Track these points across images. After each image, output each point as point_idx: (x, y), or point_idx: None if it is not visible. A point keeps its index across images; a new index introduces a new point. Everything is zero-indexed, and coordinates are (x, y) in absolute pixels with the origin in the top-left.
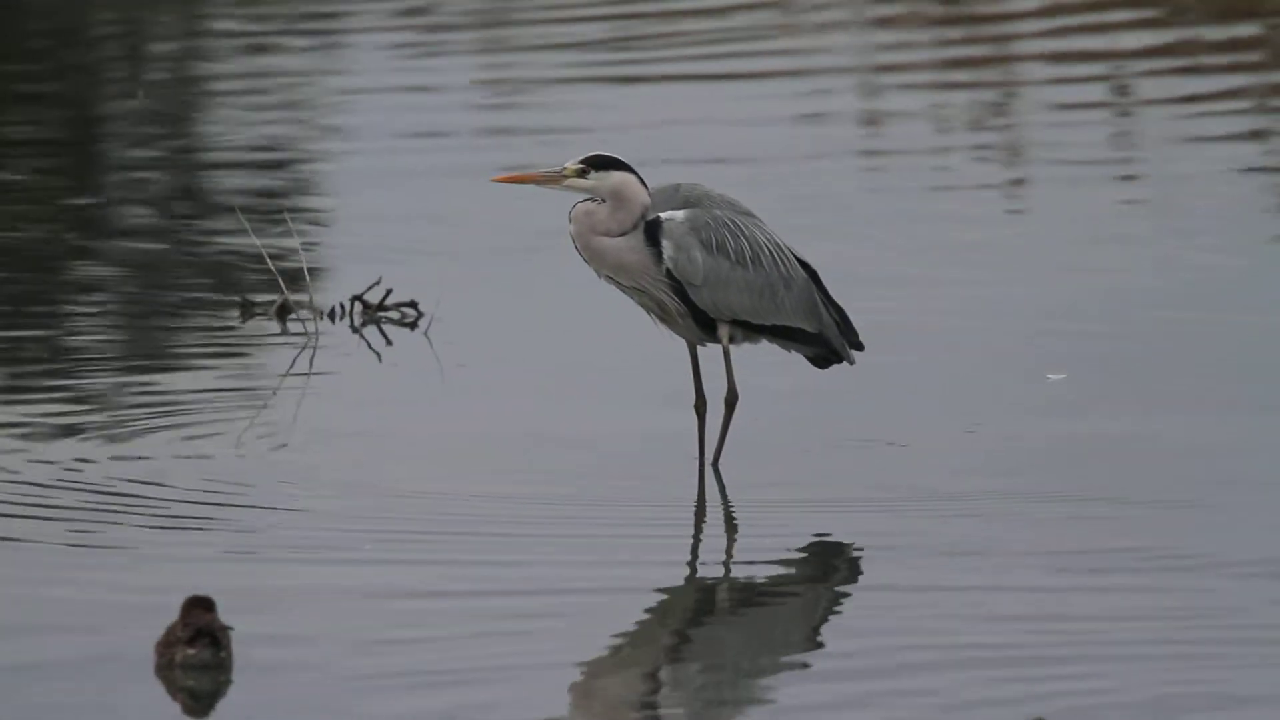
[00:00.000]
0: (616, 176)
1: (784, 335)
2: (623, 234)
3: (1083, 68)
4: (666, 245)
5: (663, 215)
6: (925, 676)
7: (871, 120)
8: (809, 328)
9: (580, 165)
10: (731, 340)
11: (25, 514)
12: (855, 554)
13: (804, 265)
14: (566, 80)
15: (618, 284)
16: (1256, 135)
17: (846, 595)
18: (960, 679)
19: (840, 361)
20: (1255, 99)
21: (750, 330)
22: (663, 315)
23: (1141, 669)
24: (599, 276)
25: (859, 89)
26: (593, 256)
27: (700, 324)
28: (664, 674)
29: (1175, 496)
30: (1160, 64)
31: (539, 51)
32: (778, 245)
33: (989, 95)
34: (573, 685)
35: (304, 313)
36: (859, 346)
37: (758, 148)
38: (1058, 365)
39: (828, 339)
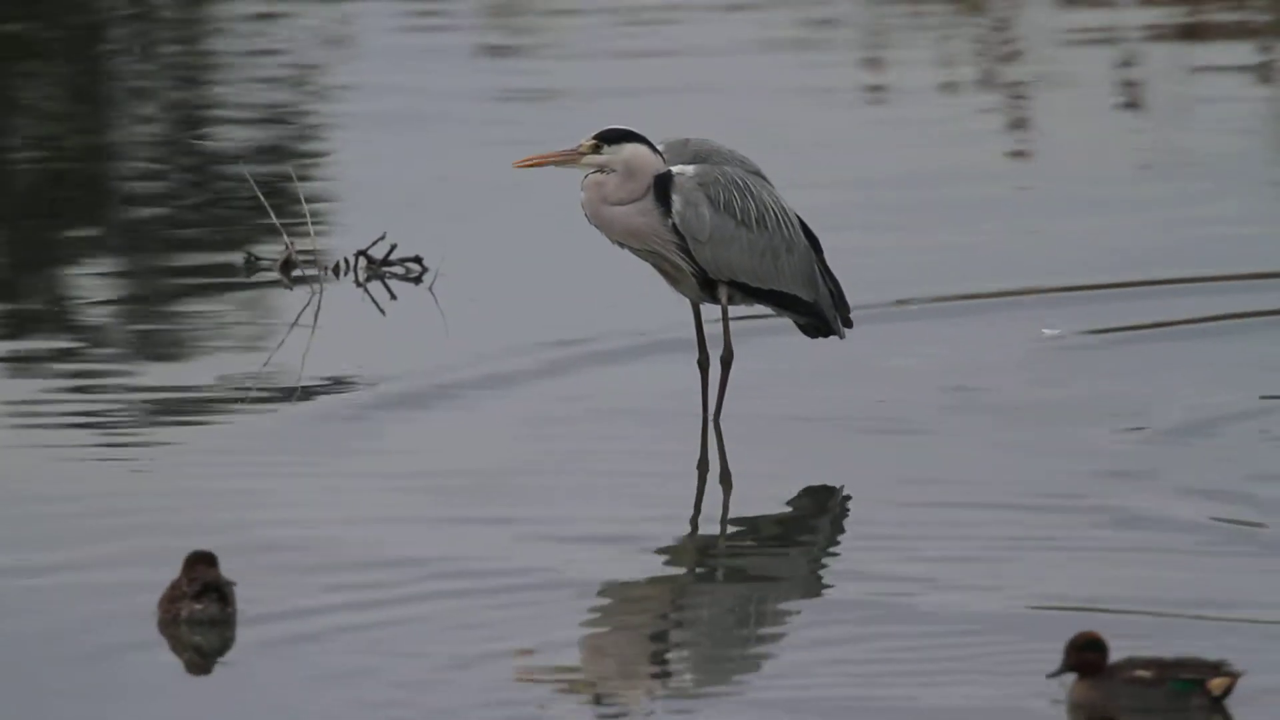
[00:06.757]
0: (628, 149)
1: (779, 302)
2: (633, 201)
3: (1090, 25)
4: (676, 199)
5: (674, 169)
6: (925, 627)
7: (875, 67)
8: (805, 296)
9: (593, 141)
10: (730, 301)
11: (29, 470)
12: (853, 506)
13: (807, 233)
14: (572, 33)
15: (631, 249)
16: (1265, 79)
17: (844, 547)
18: (959, 630)
19: (830, 334)
20: (1262, 45)
21: (748, 293)
22: (676, 275)
23: (1144, 642)
24: (612, 242)
25: (861, 41)
26: (602, 224)
27: (701, 283)
28: (670, 622)
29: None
30: (1166, 19)
31: (546, 12)
32: (783, 209)
33: (994, 51)
34: (579, 635)
35: (308, 267)
36: (849, 323)
37: (757, 80)
38: (1053, 320)
39: (821, 310)
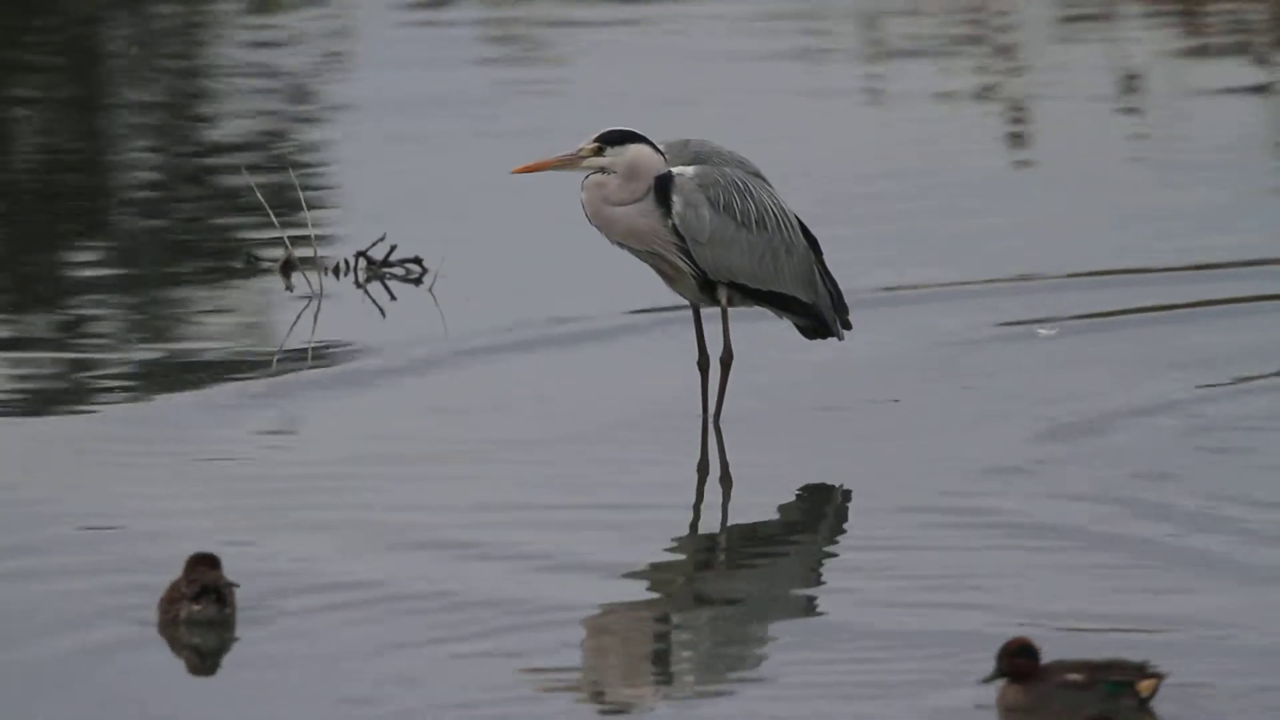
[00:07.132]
0: (631, 150)
1: (779, 303)
2: (635, 201)
3: (1089, 25)
4: (676, 200)
5: (674, 170)
6: (922, 632)
7: (874, 69)
8: (804, 298)
9: (595, 144)
10: (730, 303)
11: (30, 469)
12: (851, 508)
13: (806, 234)
14: (574, 25)
15: (631, 250)
16: (1263, 88)
17: (843, 550)
18: (956, 635)
19: (829, 336)
20: (1260, 47)
21: (747, 295)
22: (675, 276)
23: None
24: (612, 243)
25: (860, 32)
26: (604, 225)
27: (700, 285)
28: (673, 621)
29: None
30: (1165, 14)
31: (548, 11)
32: (783, 210)
33: (994, 44)
34: (583, 630)
35: (308, 269)
36: (848, 325)
37: (757, 81)
38: (1049, 319)
39: (820, 312)
